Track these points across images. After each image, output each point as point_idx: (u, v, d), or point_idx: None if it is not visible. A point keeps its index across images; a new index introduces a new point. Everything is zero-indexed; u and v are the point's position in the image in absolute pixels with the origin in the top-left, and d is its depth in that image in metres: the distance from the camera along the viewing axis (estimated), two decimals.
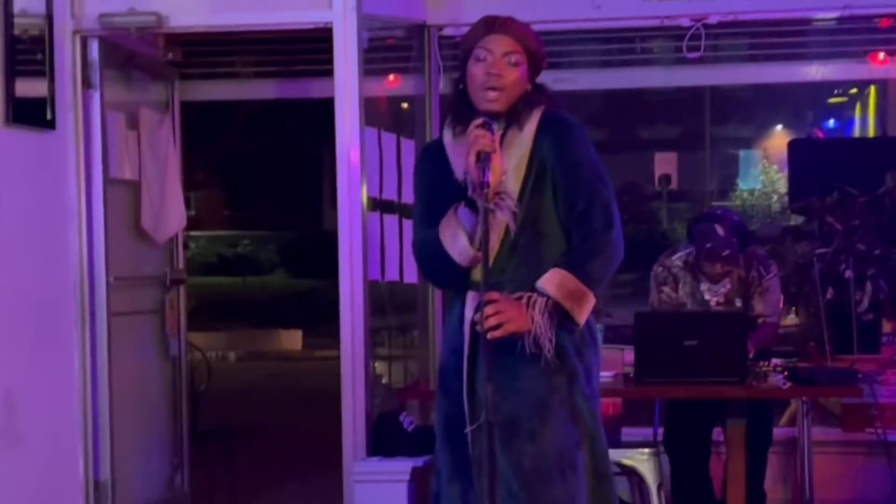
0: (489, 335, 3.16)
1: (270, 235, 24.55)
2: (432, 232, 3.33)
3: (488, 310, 3.16)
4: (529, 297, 3.23)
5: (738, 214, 5.78)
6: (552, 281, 3.24)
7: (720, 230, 5.50)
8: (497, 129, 3.28)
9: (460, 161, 3.29)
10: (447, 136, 3.40)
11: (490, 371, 3.15)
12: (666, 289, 5.65)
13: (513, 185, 3.28)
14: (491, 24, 3.35)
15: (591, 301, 3.27)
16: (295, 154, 22.98)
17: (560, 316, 3.25)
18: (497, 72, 3.28)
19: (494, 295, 3.19)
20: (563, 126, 3.35)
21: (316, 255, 19.40)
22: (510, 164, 3.28)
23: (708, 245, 5.52)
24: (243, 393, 10.60)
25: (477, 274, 3.30)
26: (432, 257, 3.35)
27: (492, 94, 3.28)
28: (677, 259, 5.67)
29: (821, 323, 5.64)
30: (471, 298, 3.34)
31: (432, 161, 3.44)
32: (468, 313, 3.34)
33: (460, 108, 3.36)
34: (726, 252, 5.49)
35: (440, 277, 3.47)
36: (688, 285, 5.64)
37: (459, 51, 3.42)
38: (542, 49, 3.38)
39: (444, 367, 3.45)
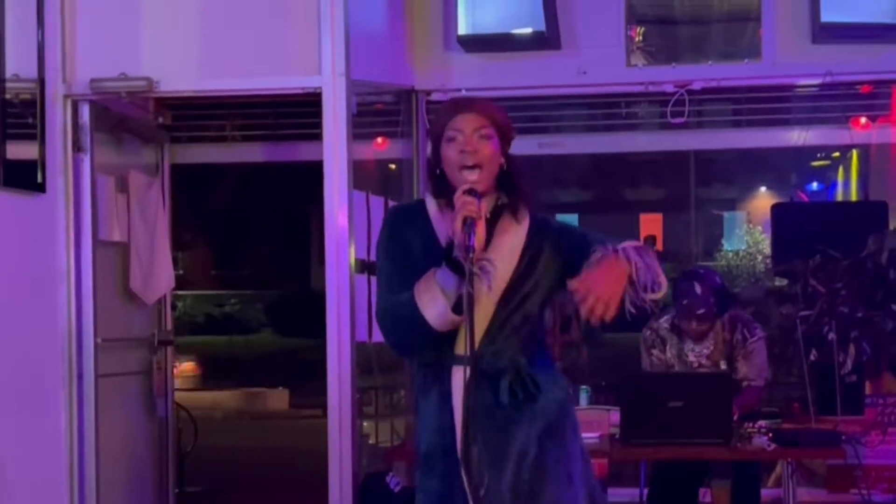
0: (594, 321, 3.11)
1: (257, 295, 24.55)
2: (404, 295, 3.25)
3: (580, 292, 3.09)
4: (611, 250, 3.18)
5: (720, 276, 5.83)
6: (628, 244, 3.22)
7: (698, 288, 5.56)
8: (483, 202, 3.30)
9: (446, 228, 3.31)
10: (431, 204, 3.42)
11: (484, 432, 3.18)
12: (655, 351, 5.70)
13: (505, 268, 3.28)
14: (456, 105, 3.39)
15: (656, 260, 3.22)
16: (283, 215, 23.04)
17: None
18: (471, 148, 3.28)
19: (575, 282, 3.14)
20: (552, 225, 3.42)
21: (303, 314, 19.40)
22: (504, 249, 3.30)
23: (684, 302, 5.58)
24: (229, 452, 10.56)
25: (461, 348, 3.27)
26: (404, 320, 3.26)
27: (472, 177, 3.26)
28: (664, 321, 5.72)
29: (805, 384, 5.67)
30: (457, 372, 3.29)
31: (408, 223, 3.40)
32: (457, 387, 3.30)
33: (441, 193, 3.35)
34: (701, 310, 5.54)
35: (410, 342, 3.34)
36: (674, 346, 5.69)
37: (430, 137, 3.43)
38: (509, 121, 3.40)
39: (431, 449, 3.37)
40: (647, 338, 5.75)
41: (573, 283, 3.12)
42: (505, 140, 3.37)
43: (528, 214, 3.37)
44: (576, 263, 3.24)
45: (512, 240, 3.31)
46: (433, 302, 3.21)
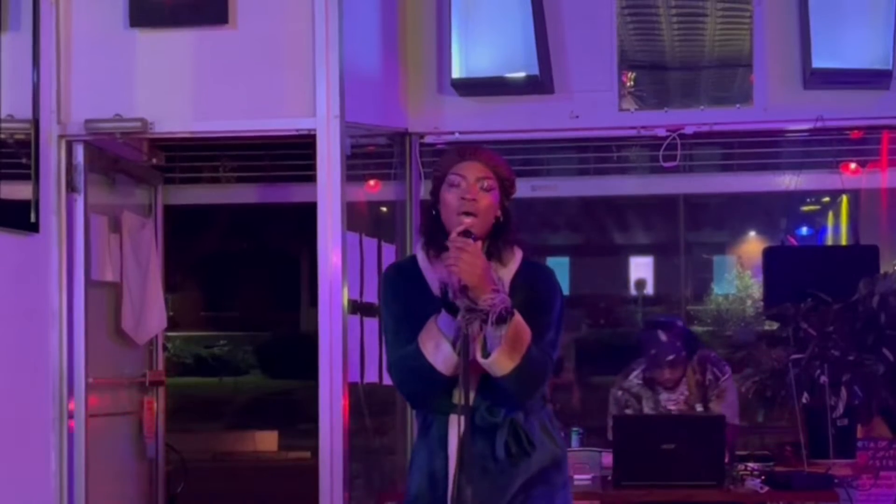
0: (447, 265, 3.18)
1: (247, 336, 24.48)
2: (410, 346, 3.30)
3: (455, 247, 3.18)
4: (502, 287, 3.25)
5: (682, 320, 5.89)
6: (521, 319, 3.24)
7: (662, 336, 5.62)
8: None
9: (437, 279, 3.34)
10: (422, 258, 3.44)
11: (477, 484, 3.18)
12: (629, 411, 5.72)
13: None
14: (463, 152, 3.43)
15: (517, 351, 3.22)
16: (273, 257, 23.04)
17: (487, 334, 3.22)
18: (471, 196, 3.33)
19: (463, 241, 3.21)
20: (542, 276, 3.43)
21: (292, 356, 19.34)
22: None
23: (652, 352, 5.63)
24: (218, 494, 10.50)
25: (458, 397, 3.28)
26: (414, 370, 3.30)
27: (467, 220, 3.30)
28: (634, 378, 5.76)
29: (797, 427, 5.67)
30: (453, 421, 3.33)
31: (405, 280, 3.44)
32: (452, 436, 3.33)
33: (434, 233, 3.39)
34: (670, 357, 5.60)
35: (422, 391, 3.37)
36: (650, 400, 5.72)
37: (432, 178, 3.47)
38: (512, 176, 3.45)
39: (419, 491, 3.41)
40: (619, 398, 5.77)
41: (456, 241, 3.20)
42: (505, 193, 3.42)
43: (516, 258, 3.40)
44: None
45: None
46: (437, 349, 3.26)
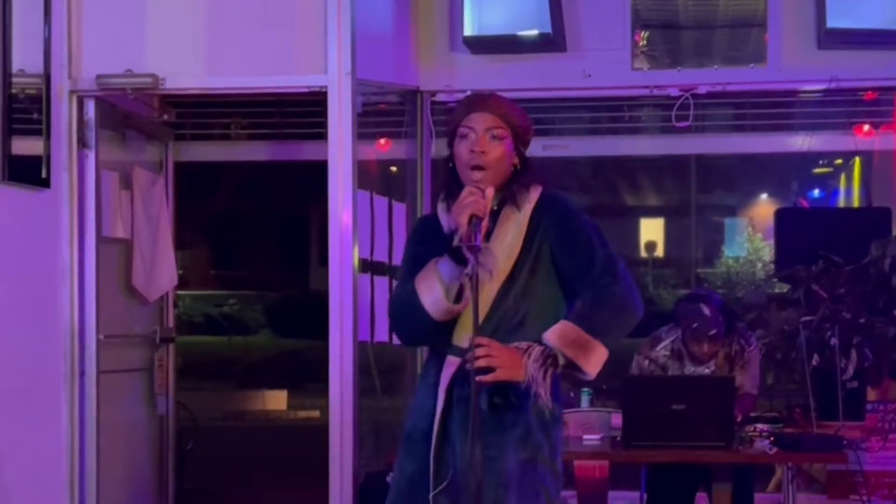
0: (478, 378, 3.14)
1: (256, 295, 24.52)
2: (408, 285, 3.32)
3: (479, 352, 3.13)
4: (528, 347, 3.21)
5: (721, 295, 5.86)
6: (554, 332, 3.21)
7: (706, 310, 5.57)
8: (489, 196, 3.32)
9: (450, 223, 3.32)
10: (442, 212, 3.42)
11: (475, 433, 3.13)
12: None
13: (505, 262, 3.28)
14: (472, 103, 3.39)
15: (598, 350, 3.22)
16: (283, 216, 23.03)
17: (567, 367, 3.22)
18: (480, 148, 3.29)
19: (485, 340, 3.17)
20: (561, 205, 3.37)
21: (301, 315, 19.38)
22: (505, 241, 3.29)
23: (695, 325, 5.58)
24: (227, 453, 10.55)
25: (458, 338, 3.31)
26: (405, 305, 3.32)
27: (477, 175, 3.28)
28: (662, 349, 5.73)
29: (806, 389, 5.67)
30: (449, 364, 3.33)
31: (424, 234, 3.45)
32: (444, 378, 3.34)
33: (451, 186, 3.37)
34: (713, 331, 5.56)
35: (409, 329, 3.39)
36: (676, 371, 5.69)
37: (447, 131, 3.44)
38: (526, 122, 3.41)
39: (413, 430, 3.42)
40: (644, 367, 5.74)
41: (484, 339, 3.17)
42: (520, 141, 3.38)
43: (531, 198, 3.35)
44: (568, 286, 3.29)
45: (512, 230, 3.30)
46: (430, 290, 3.26)
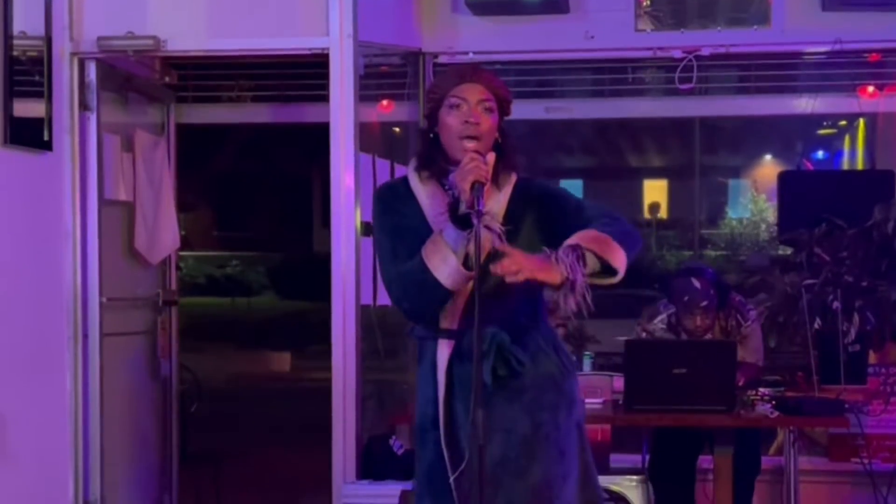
0: (508, 279, 3.07)
1: (259, 257, 24.55)
2: (411, 262, 3.27)
3: (506, 261, 3.07)
4: (552, 251, 3.15)
5: (713, 269, 5.86)
6: (575, 236, 3.18)
7: (696, 283, 5.60)
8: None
9: (433, 202, 3.33)
10: (414, 180, 3.41)
11: (477, 398, 3.09)
12: None
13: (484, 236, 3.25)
14: (463, 73, 3.39)
15: (619, 250, 3.18)
16: (285, 178, 23.02)
17: (594, 268, 3.16)
18: (475, 120, 3.30)
19: (508, 248, 3.12)
20: (539, 185, 3.44)
21: (305, 277, 19.41)
22: None
23: (686, 298, 5.61)
24: (230, 415, 10.60)
25: (446, 322, 3.33)
26: (417, 284, 3.27)
27: (470, 145, 3.28)
28: (659, 322, 5.75)
29: (808, 353, 5.67)
30: (443, 346, 3.35)
31: (399, 199, 3.42)
32: (441, 360, 3.36)
33: (432, 155, 3.36)
34: (704, 303, 5.58)
35: (425, 305, 3.33)
36: None
37: (427, 100, 3.43)
38: (509, 96, 3.43)
39: (422, 419, 3.43)
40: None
41: (507, 249, 3.12)
42: (503, 114, 3.41)
43: (511, 181, 3.38)
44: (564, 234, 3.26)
45: (492, 207, 3.29)
46: (444, 262, 3.22)
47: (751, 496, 5.68)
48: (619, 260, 3.19)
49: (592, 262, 3.16)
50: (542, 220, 3.35)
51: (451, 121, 3.33)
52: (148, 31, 5.52)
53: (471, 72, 3.40)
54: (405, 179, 3.44)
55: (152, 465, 6.33)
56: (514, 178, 3.40)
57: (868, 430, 5.93)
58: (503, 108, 3.40)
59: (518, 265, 3.08)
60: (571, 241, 3.16)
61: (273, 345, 17.34)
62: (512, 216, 3.32)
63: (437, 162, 3.34)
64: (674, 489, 5.68)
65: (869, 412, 6.00)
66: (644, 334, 5.76)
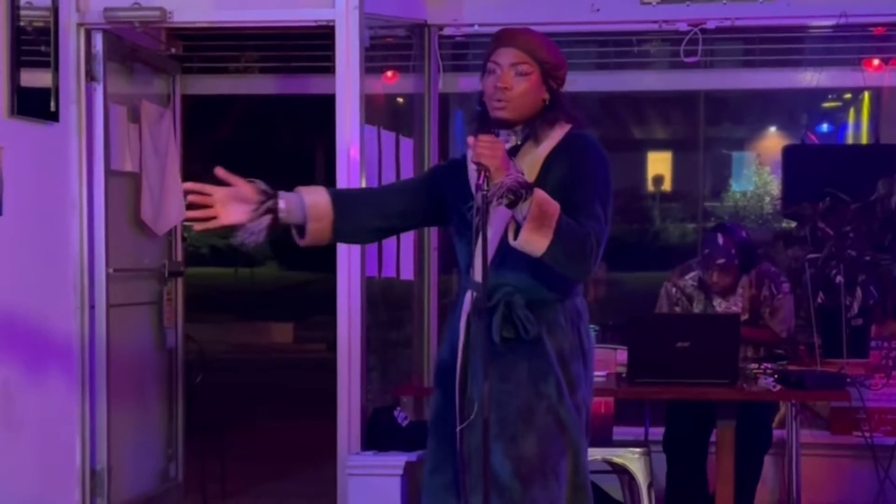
0: (473, 158, 3.07)
1: None
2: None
3: (482, 142, 3.06)
4: (521, 172, 3.12)
5: (747, 231, 5.79)
6: (547, 195, 3.12)
7: (720, 239, 5.59)
8: (510, 138, 3.32)
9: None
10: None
11: (486, 369, 3.12)
12: (678, 309, 5.71)
13: None
14: (498, 38, 3.37)
15: (542, 238, 3.08)
16: (290, 149, 22.99)
17: (518, 210, 3.10)
18: (503, 84, 3.28)
19: (490, 139, 3.11)
20: (582, 146, 3.34)
21: (308, 248, 19.37)
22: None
23: (706, 251, 5.62)
24: (233, 385, 10.64)
25: (475, 273, 3.32)
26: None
27: (498, 104, 3.28)
28: (690, 279, 5.75)
29: (811, 327, 5.70)
30: (468, 297, 3.38)
31: (448, 170, 3.51)
32: (464, 311, 3.38)
33: (482, 122, 3.36)
34: (721, 260, 5.57)
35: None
36: (701, 303, 5.71)
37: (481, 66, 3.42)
38: (556, 56, 3.36)
39: (442, 362, 3.47)
40: (671, 294, 5.77)
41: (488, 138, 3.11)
42: (549, 76, 3.34)
43: (554, 136, 3.33)
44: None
45: (527, 165, 3.28)
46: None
47: (759, 470, 5.68)
48: (537, 239, 3.10)
49: (524, 212, 3.08)
50: (565, 175, 3.31)
51: (486, 85, 3.34)
52: (154, 2, 5.53)
53: (507, 35, 3.37)
54: (464, 156, 3.44)
55: (158, 434, 6.37)
56: (561, 131, 3.34)
57: (869, 403, 5.96)
58: (546, 70, 3.32)
59: (483, 148, 3.06)
60: (540, 192, 3.11)
61: (276, 315, 17.35)
62: (544, 175, 3.29)
63: (486, 130, 3.32)
64: (686, 462, 5.70)
65: (871, 386, 6.04)
66: (674, 290, 5.76)
